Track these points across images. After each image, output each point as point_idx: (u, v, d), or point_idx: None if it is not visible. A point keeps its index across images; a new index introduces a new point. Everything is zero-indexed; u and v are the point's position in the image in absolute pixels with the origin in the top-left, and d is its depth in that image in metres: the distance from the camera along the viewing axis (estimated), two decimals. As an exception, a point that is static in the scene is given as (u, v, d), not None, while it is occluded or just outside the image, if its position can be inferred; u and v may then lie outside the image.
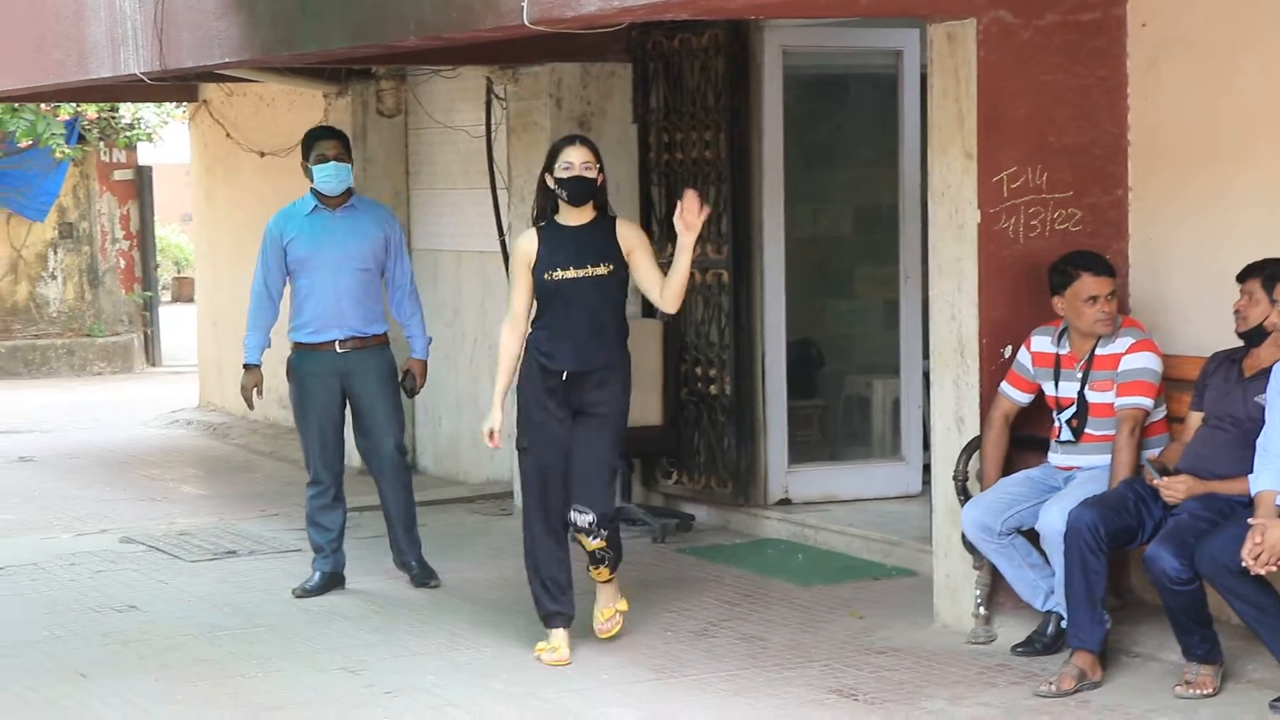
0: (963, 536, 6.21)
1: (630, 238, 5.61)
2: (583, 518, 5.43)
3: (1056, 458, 6.16)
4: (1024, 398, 6.20)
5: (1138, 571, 5.93)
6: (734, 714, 5.59)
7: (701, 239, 7.86)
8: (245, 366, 7.13)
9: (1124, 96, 6.62)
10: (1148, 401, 5.89)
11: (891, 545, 7.83)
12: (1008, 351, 6.31)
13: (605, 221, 5.59)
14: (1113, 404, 5.92)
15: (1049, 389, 6.10)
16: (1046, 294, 6.05)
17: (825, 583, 7.50)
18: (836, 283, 9.60)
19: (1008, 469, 6.21)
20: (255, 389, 7.09)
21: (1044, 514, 5.84)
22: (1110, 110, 6.64)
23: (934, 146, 6.65)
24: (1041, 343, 6.13)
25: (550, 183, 5.51)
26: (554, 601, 5.58)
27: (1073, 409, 6.07)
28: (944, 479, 6.59)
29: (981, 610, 6.40)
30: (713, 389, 8.71)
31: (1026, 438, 6.34)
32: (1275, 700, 5.31)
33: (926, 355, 7.18)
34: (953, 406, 6.53)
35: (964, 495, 6.31)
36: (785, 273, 8.62)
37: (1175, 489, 5.54)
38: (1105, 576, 5.63)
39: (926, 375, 7.42)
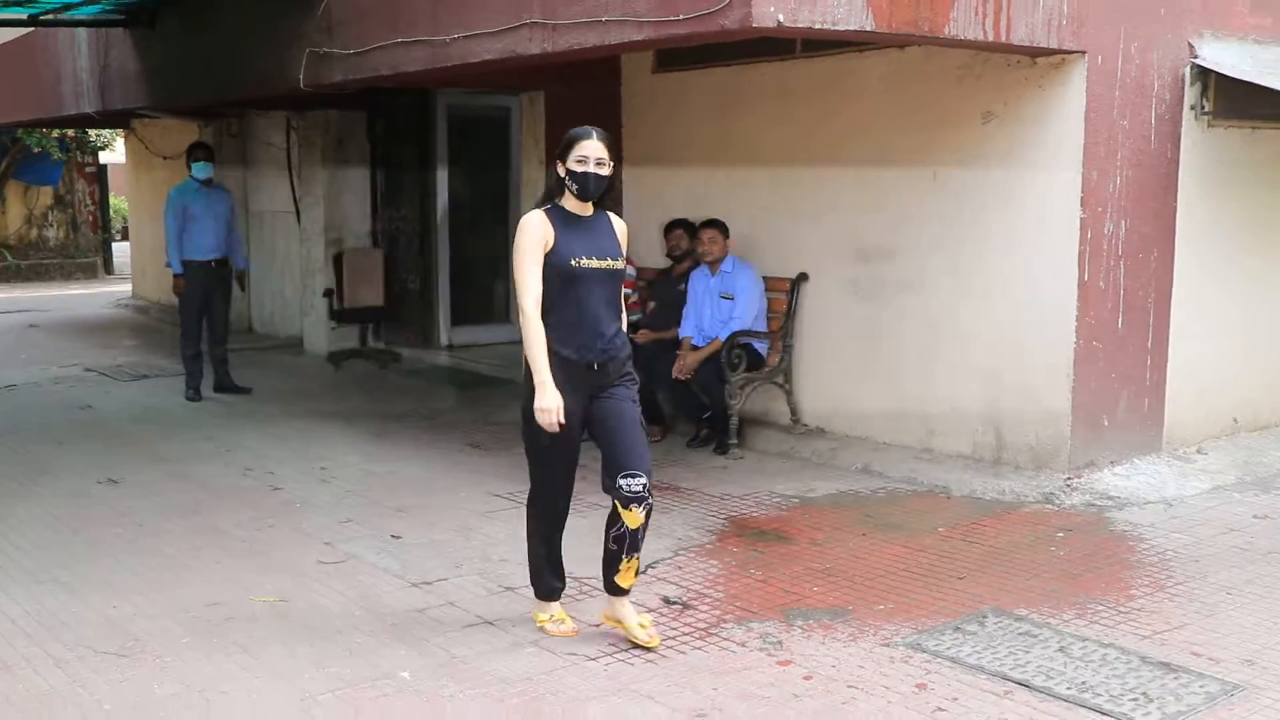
0: None
1: (622, 236, 5.16)
2: (636, 481, 4.94)
3: None
4: None
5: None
6: (422, 452, 8.49)
7: (403, 201, 12.03)
8: (175, 276, 10.38)
9: (619, 127, 9.80)
10: (629, 291, 7.40)
11: (505, 367, 11.29)
12: None
13: (603, 215, 5.11)
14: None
15: None
16: None
17: (470, 389, 10.99)
18: (478, 228, 13.09)
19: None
20: (183, 287, 10.35)
21: None
22: (613, 135, 9.31)
23: (524, 157, 10.19)
24: None
25: (561, 171, 4.96)
26: (558, 579, 5.33)
27: None
28: None
29: None
30: (410, 285, 12.77)
31: None
32: (689, 441, 8.53)
33: None
34: None
35: None
36: (449, 223, 12.75)
37: (685, 363, 8.39)
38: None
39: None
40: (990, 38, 6.91)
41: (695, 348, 8.56)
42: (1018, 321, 7.83)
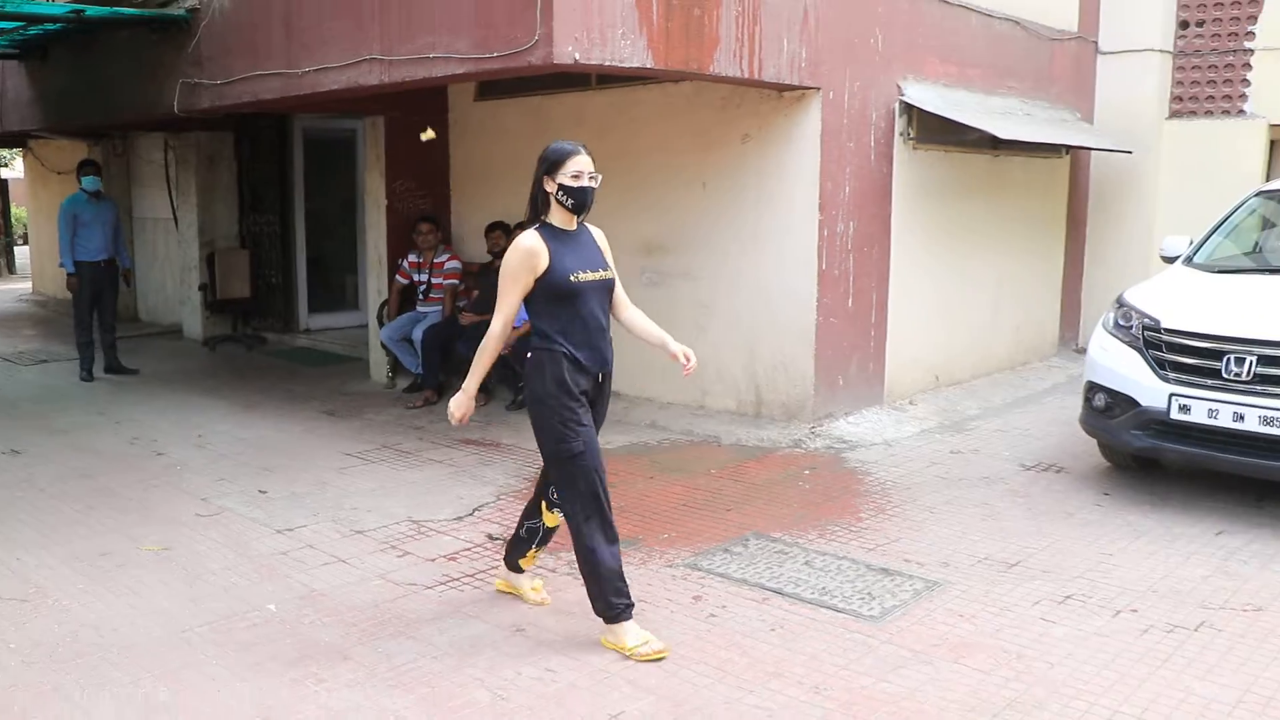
0: (382, 343, 9.18)
1: (605, 246, 4.54)
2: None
3: (420, 306, 8.96)
4: (404, 282, 9.05)
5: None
6: (285, 420, 8.31)
7: (266, 209, 11.95)
8: (69, 275, 10.01)
9: (447, 147, 9.94)
10: (455, 282, 8.85)
11: (355, 347, 11.13)
12: (400, 263, 9.30)
13: (584, 227, 4.46)
14: (442, 283, 8.85)
15: (418, 276, 8.97)
16: (424, 234, 9.01)
17: (325, 366, 10.86)
18: (330, 231, 12.83)
19: (401, 311, 9.13)
20: (76, 284, 9.95)
21: (415, 331, 8.74)
22: (443, 153, 9.83)
23: (368, 171, 9.92)
24: (410, 258, 9.00)
25: (551, 187, 4.25)
26: (624, 596, 4.41)
27: (425, 285, 8.94)
28: (373, 317, 9.71)
29: (389, 375, 9.41)
30: (273, 279, 12.50)
31: (409, 299, 9.20)
32: (508, 405, 8.41)
33: (379, 262, 9.78)
34: (376, 285, 9.77)
35: (381, 323, 9.32)
36: (306, 227, 12.51)
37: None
38: (440, 358, 8.64)
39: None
40: (746, 75, 7.08)
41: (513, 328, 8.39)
42: (771, 302, 8.01)
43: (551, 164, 4.30)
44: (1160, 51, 10.65)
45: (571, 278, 4.25)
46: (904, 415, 8.28)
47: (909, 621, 4.72)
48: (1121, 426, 6.28)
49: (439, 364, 8.74)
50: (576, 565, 4.54)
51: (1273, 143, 10.64)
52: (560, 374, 4.26)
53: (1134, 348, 6.29)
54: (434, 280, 9.12)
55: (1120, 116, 10.73)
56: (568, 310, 4.28)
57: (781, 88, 7.56)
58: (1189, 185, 10.37)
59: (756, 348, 8.08)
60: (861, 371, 8.23)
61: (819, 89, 7.62)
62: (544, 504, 4.65)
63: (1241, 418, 5.77)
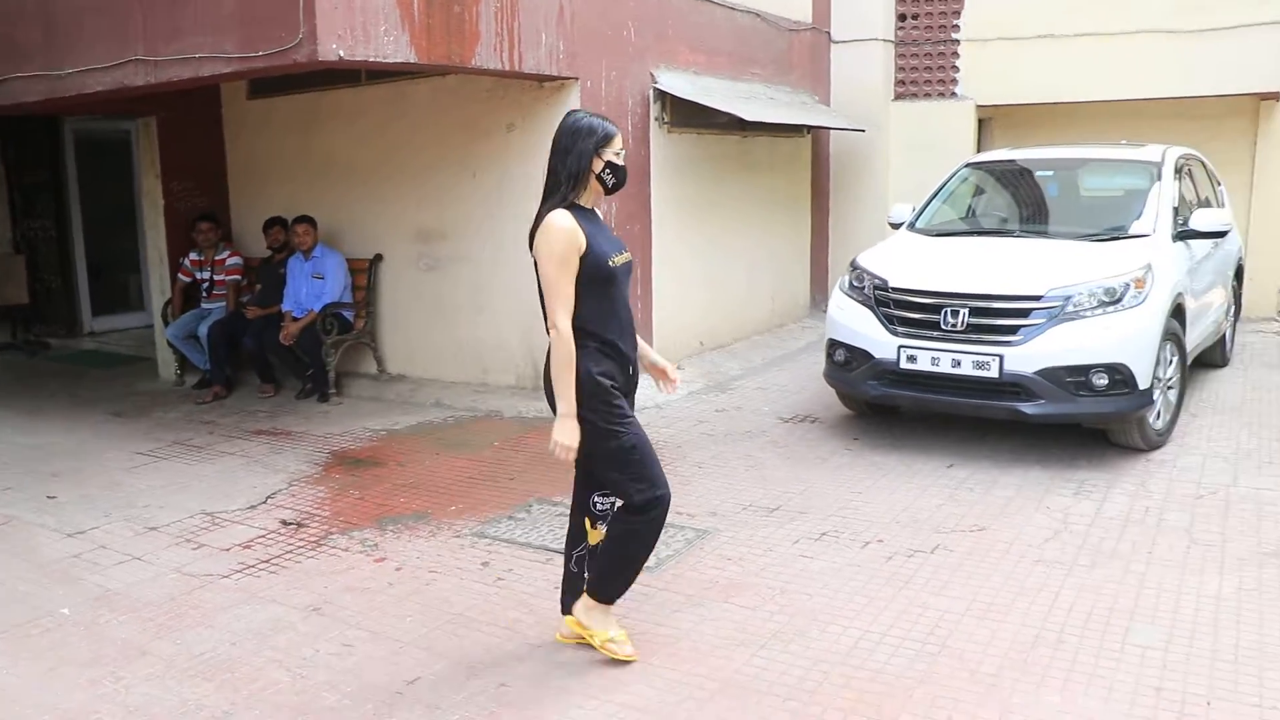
0: (168, 341, 8.82)
1: None
2: (606, 501, 3.90)
3: (205, 304, 8.68)
4: (186, 280, 8.73)
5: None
6: (72, 424, 7.73)
7: (39, 213, 11.08)
8: None
9: (223, 146, 9.56)
10: (237, 278, 8.61)
11: (141, 347, 10.51)
12: (182, 261, 8.90)
13: (594, 209, 3.79)
14: (224, 280, 8.61)
15: (200, 274, 8.70)
16: (204, 233, 8.65)
17: (112, 367, 10.19)
18: (109, 232, 11.94)
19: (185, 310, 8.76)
20: None
21: (200, 328, 8.47)
22: (219, 151, 9.50)
23: (144, 172, 9.38)
24: (191, 256, 8.71)
25: (599, 164, 3.63)
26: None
27: (207, 283, 8.71)
28: (158, 317, 9.20)
29: (177, 373, 9.06)
30: (53, 284, 11.70)
31: (193, 297, 8.79)
32: (297, 394, 8.23)
33: (160, 261, 9.25)
34: (159, 284, 9.32)
35: (166, 322, 8.86)
36: (84, 229, 11.72)
37: (289, 331, 8.02)
38: (226, 353, 8.33)
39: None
40: (508, 67, 7.03)
41: (295, 319, 8.30)
42: (544, 282, 7.94)
43: (602, 139, 3.64)
44: (884, 41, 11.15)
45: (610, 262, 3.63)
46: (675, 380, 8.36)
47: (683, 568, 4.82)
48: (859, 378, 6.52)
49: (226, 358, 8.50)
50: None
51: (981, 120, 11.30)
52: (607, 369, 3.63)
53: (866, 306, 6.54)
54: (216, 277, 8.84)
55: (853, 99, 11.17)
56: (606, 297, 3.63)
57: (542, 78, 7.54)
58: (914, 159, 10.94)
59: (533, 325, 8.05)
60: (633, 342, 8.27)
61: (577, 79, 7.63)
62: (587, 521, 3.96)
63: (959, 363, 6.10)
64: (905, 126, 11.08)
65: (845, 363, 6.64)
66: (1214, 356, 8.50)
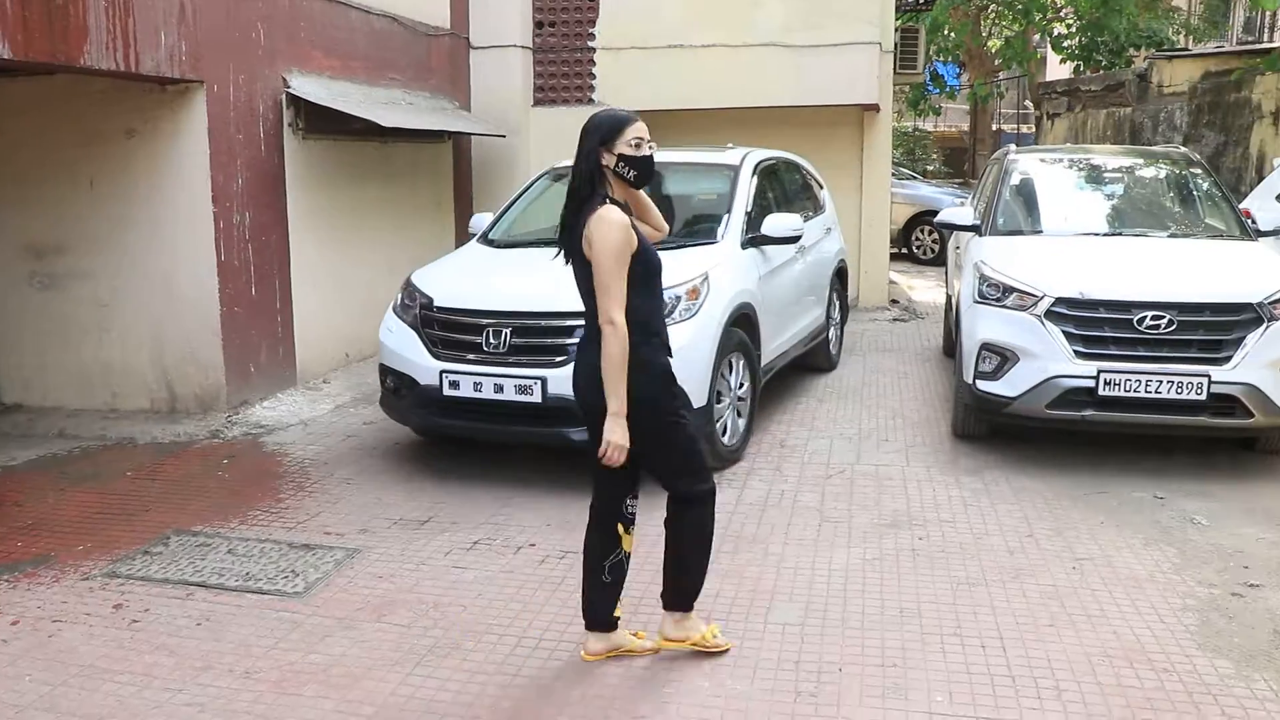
0: None
1: None
2: (636, 504, 3.91)
3: None
4: None
5: None
6: None
7: None
8: None
9: None
10: None
11: None
12: None
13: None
14: None
15: None
16: None
17: None
18: None
19: None
20: None
21: None
22: None
23: None
24: None
25: (609, 159, 3.54)
26: None
27: None
28: None
29: None
30: None
31: None
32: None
33: None
34: None
35: None
36: None
37: None
38: None
39: None
40: (123, 68, 6.61)
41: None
42: (173, 296, 7.59)
43: (607, 133, 3.54)
44: (522, 48, 11.35)
45: (655, 258, 3.60)
46: (319, 394, 8.22)
47: (333, 591, 4.73)
48: (408, 407, 6.05)
49: None
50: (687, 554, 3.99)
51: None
52: (667, 366, 3.62)
53: (414, 328, 6.06)
54: None
55: (494, 104, 11.31)
56: (655, 292, 3.63)
57: (164, 81, 7.14)
58: (553, 164, 11.12)
59: (164, 343, 7.64)
60: (273, 356, 8.05)
61: (203, 82, 7.29)
62: (620, 527, 3.86)
63: (501, 388, 5.64)
64: (545, 132, 11.34)
65: (395, 390, 6.14)
66: (818, 361, 8.48)
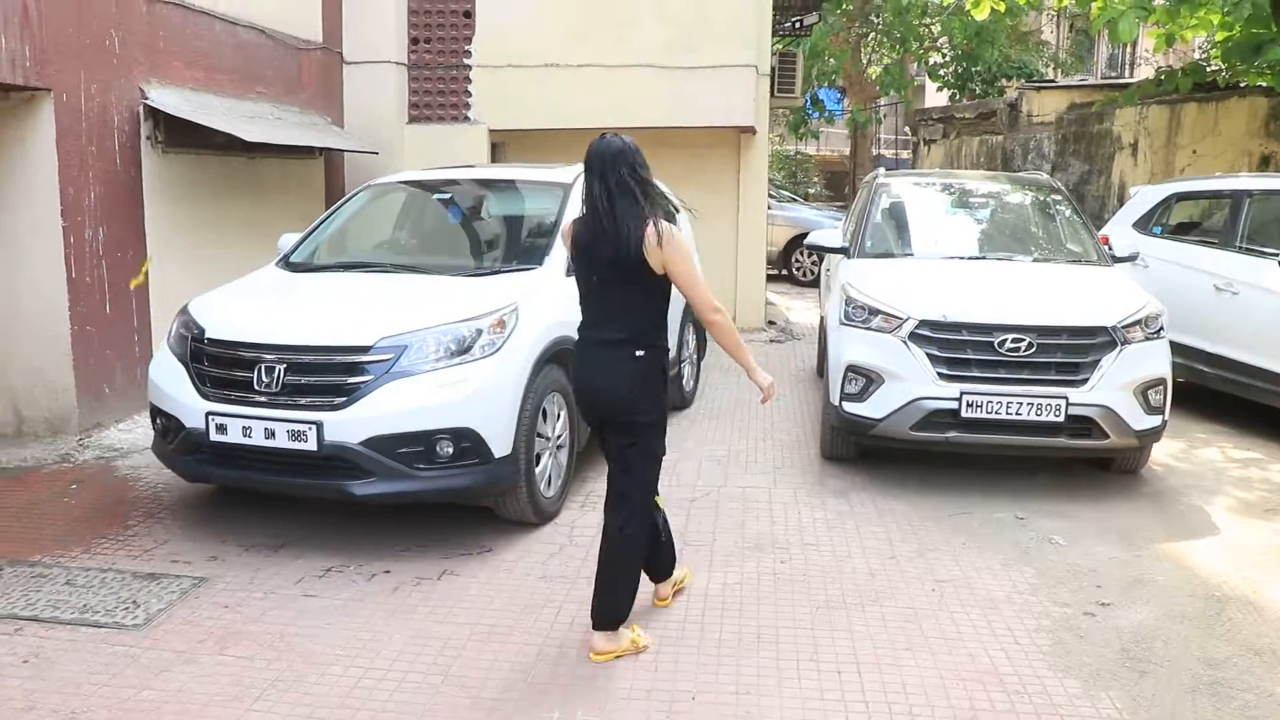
0: None
1: None
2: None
3: None
4: None
5: None
6: None
7: None
8: None
9: None
10: None
11: None
12: None
13: None
14: None
15: None
16: None
17: None
18: None
19: None
20: None
21: None
22: None
23: None
24: None
25: (665, 185, 3.69)
26: None
27: None
28: None
29: None
30: None
31: None
32: None
33: None
34: None
35: None
36: None
37: None
38: None
39: None
40: (-40, 76, 6.27)
41: None
42: (21, 313, 7.26)
43: (646, 165, 3.95)
44: (397, 64, 11.20)
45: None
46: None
47: (175, 623, 4.53)
48: (177, 452, 5.29)
49: None
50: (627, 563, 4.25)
51: (495, 144, 11.68)
52: (669, 371, 4.07)
53: (183, 362, 5.33)
54: None
55: (367, 121, 11.12)
56: (673, 301, 4.05)
57: (7, 88, 6.83)
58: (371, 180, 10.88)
59: (10, 363, 7.29)
60: (129, 377, 7.75)
61: (50, 90, 6.98)
62: (656, 499, 4.29)
63: (272, 434, 4.95)
64: (420, 149, 11.18)
65: (163, 433, 5.42)
66: (671, 398, 7.70)
